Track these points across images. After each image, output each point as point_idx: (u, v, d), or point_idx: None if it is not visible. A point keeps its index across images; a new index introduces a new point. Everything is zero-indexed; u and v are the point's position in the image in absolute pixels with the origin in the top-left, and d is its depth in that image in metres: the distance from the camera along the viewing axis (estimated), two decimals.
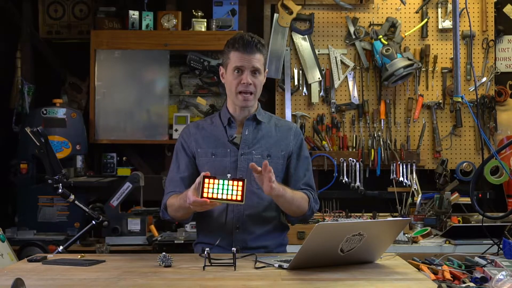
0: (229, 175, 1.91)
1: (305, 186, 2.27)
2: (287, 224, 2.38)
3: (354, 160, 3.67)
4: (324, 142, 3.71)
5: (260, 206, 2.22)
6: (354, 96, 3.79)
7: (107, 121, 3.67)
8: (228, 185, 1.90)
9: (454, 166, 3.71)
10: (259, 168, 1.97)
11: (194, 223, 2.53)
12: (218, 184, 1.90)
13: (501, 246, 2.19)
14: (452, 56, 3.29)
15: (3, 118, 3.82)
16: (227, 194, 1.90)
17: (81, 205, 2.80)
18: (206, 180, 1.91)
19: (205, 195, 1.90)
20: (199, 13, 3.71)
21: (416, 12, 3.81)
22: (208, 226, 2.24)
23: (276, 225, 2.28)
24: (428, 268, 1.98)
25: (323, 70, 3.78)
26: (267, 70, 2.30)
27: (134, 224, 3.26)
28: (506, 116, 3.81)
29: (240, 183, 1.89)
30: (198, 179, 1.93)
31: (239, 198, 1.89)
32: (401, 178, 3.65)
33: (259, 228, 2.22)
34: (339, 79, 3.79)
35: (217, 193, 1.90)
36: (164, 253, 1.90)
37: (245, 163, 2.20)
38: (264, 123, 2.29)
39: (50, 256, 2.06)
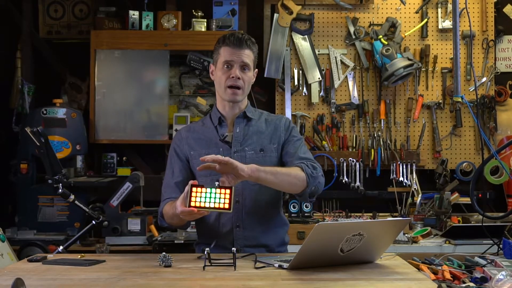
0: (217, 183, 1.91)
1: (297, 161, 2.20)
2: (287, 221, 2.37)
3: (354, 160, 3.67)
4: (324, 142, 3.71)
5: (258, 203, 2.22)
6: (354, 96, 3.79)
7: (107, 121, 3.67)
8: (215, 193, 1.88)
9: (454, 166, 3.71)
10: (216, 165, 1.94)
11: (194, 223, 2.53)
12: (206, 192, 1.89)
13: (501, 246, 2.19)
14: (452, 56, 3.30)
15: (3, 118, 3.82)
16: (214, 202, 1.88)
17: (81, 205, 2.80)
18: (194, 189, 1.90)
19: (192, 204, 1.89)
20: (199, 13, 3.71)
21: (416, 12, 3.81)
22: (208, 226, 2.24)
23: (276, 222, 2.29)
24: (428, 268, 1.99)
25: (323, 70, 3.78)
26: (256, 69, 2.30)
27: (134, 224, 3.26)
28: (506, 116, 3.81)
29: (228, 191, 1.88)
30: (186, 188, 1.92)
31: (226, 206, 1.88)
32: (401, 178, 3.65)
33: (259, 225, 2.22)
34: (339, 79, 3.79)
35: (205, 202, 1.89)
36: (164, 253, 1.90)
37: (238, 160, 2.20)
38: (255, 119, 2.30)
39: (50, 256, 2.06)
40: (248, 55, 2.20)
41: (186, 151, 2.27)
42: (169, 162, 2.32)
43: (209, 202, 1.89)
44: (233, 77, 2.18)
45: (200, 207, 1.89)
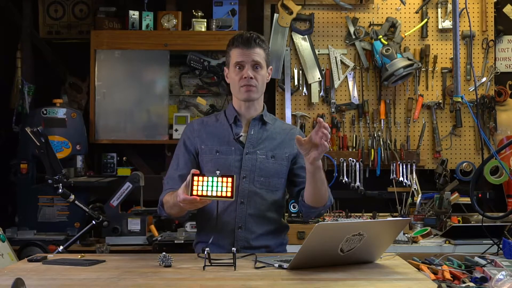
0: (218, 172, 1.90)
1: None
2: (287, 224, 2.38)
3: (354, 160, 3.67)
4: None
5: (263, 206, 2.22)
6: (354, 96, 3.79)
7: (107, 121, 3.67)
8: (217, 182, 1.88)
9: (454, 166, 3.71)
10: (303, 139, 1.95)
11: (194, 223, 2.53)
12: (207, 181, 1.88)
13: (501, 246, 2.19)
14: (452, 56, 3.30)
15: (3, 118, 3.82)
16: (216, 191, 1.87)
17: (81, 205, 2.80)
18: (195, 178, 1.89)
19: (194, 192, 1.89)
20: (199, 13, 3.71)
21: (416, 12, 3.81)
22: (210, 223, 2.23)
23: (277, 226, 2.29)
24: (428, 268, 1.98)
25: (323, 70, 3.78)
26: (271, 67, 2.31)
27: (134, 224, 3.26)
28: (506, 116, 3.81)
29: (230, 179, 1.87)
30: (188, 177, 1.92)
31: (229, 194, 1.87)
32: (401, 178, 3.65)
33: (261, 228, 2.22)
34: (339, 79, 3.79)
35: (207, 190, 1.88)
36: (164, 253, 1.90)
37: (249, 162, 2.21)
38: (269, 124, 2.31)
39: (50, 256, 2.06)
40: (259, 54, 2.20)
41: (197, 144, 2.27)
42: (175, 153, 2.31)
43: (211, 190, 1.88)
44: (245, 77, 2.18)
45: (202, 195, 1.89)
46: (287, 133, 2.32)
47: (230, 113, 2.30)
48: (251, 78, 2.18)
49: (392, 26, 3.70)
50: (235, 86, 2.23)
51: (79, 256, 2.03)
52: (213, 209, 2.18)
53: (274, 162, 2.24)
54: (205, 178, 1.88)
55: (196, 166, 2.25)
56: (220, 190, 1.87)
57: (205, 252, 1.83)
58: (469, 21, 2.79)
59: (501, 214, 2.58)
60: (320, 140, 1.93)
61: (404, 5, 3.77)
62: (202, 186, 1.89)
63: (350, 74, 3.80)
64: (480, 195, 3.62)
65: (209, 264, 1.83)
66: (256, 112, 2.29)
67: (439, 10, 3.80)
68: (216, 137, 2.26)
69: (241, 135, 2.25)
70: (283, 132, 2.32)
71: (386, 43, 3.61)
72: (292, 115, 3.75)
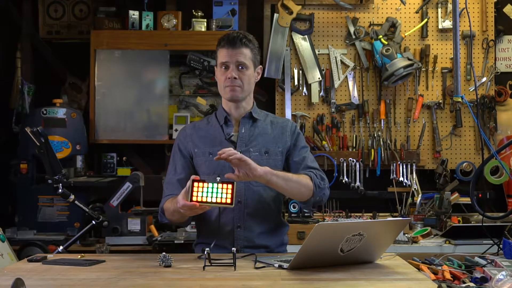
0: (218, 178, 1.90)
1: (306, 169, 2.24)
2: (287, 223, 2.38)
3: (354, 160, 3.67)
4: (324, 142, 3.71)
5: (260, 204, 2.22)
6: (354, 96, 3.79)
7: (107, 121, 3.67)
8: (217, 188, 1.89)
9: (454, 166, 3.71)
10: (233, 174, 1.98)
11: (194, 223, 2.53)
12: (208, 187, 1.89)
13: (501, 246, 2.19)
14: (452, 56, 3.29)
15: (3, 118, 3.82)
16: (216, 197, 1.89)
17: (81, 205, 2.80)
18: (195, 184, 1.90)
19: (194, 198, 1.90)
20: (199, 13, 3.71)
21: (416, 12, 3.81)
22: (209, 226, 2.24)
23: (276, 224, 2.29)
24: (428, 268, 1.99)
25: (323, 70, 3.78)
26: (260, 66, 2.32)
27: (134, 224, 3.27)
28: (506, 116, 3.81)
29: (230, 186, 1.88)
30: (188, 183, 1.93)
31: (228, 201, 1.88)
32: (401, 178, 3.65)
33: (260, 226, 2.22)
34: (339, 79, 3.79)
35: (207, 197, 1.89)
36: (164, 253, 1.90)
37: None
38: (260, 120, 2.31)
39: (50, 256, 2.06)
40: (244, 54, 2.21)
41: (190, 148, 2.28)
42: (172, 158, 2.32)
43: (211, 197, 1.89)
44: (229, 77, 2.19)
45: (202, 201, 1.89)
46: (280, 127, 2.32)
47: (220, 114, 2.31)
48: (235, 78, 2.19)
49: (392, 26, 3.70)
50: (220, 85, 2.26)
51: (79, 256, 2.03)
52: (211, 211, 2.18)
53: (268, 158, 2.24)
54: (205, 184, 1.89)
55: (193, 169, 2.26)
56: (220, 196, 1.89)
57: (205, 252, 1.83)
58: (469, 21, 2.78)
59: (501, 214, 2.59)
60: (242, 165, 1.97)
61: (404, 5, 3.76)
62: (202, 192, 1.90)
63: (350, 74, 3.80)
64: (480, 195, 3.62)
65: (209, 264, 1.83)
66: (246, 111, 2.29)
67: (439, 10, 3.80)
68: (208, 139, 2.27)
69: (233, 135, 2.26)
70: (275, 127, 2.32)
71: (386, 43, 3.60)
72: (292, 115, 3.75)
